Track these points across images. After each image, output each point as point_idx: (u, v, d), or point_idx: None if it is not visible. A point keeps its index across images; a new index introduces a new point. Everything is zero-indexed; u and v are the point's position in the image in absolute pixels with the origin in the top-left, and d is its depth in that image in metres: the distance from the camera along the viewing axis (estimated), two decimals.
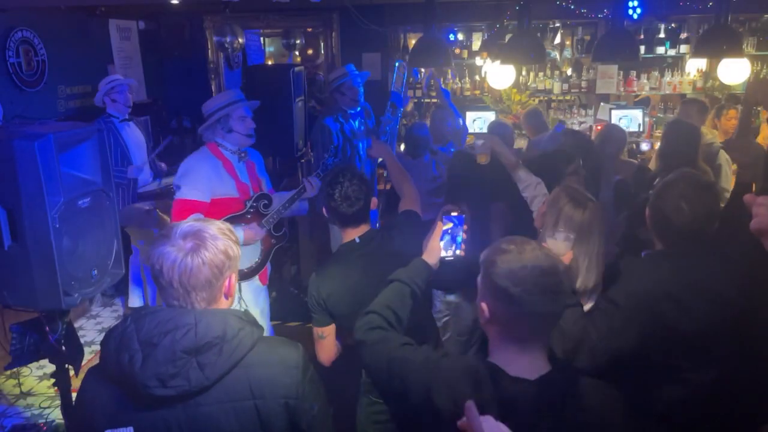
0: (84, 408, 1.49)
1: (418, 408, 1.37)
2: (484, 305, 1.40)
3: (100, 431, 1.43)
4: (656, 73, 6.32)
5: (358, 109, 4.47)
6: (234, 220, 3.05)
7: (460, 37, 6.85)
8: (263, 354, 1.49)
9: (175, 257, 1.43)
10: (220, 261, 1.47)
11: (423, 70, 6.47)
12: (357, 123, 4.48)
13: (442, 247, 1.93)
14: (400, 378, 1.43)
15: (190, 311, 1.45)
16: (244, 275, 3.18)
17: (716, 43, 4.21)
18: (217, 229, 1.51)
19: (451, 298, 3.42)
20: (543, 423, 1.29)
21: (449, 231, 1.94)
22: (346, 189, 2.28)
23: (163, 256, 1.44)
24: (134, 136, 4.57)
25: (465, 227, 1.95)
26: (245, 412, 1.45)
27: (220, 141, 3.17)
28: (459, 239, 1.95)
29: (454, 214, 1.94)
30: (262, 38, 7.95)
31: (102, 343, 1.47)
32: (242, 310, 1.65)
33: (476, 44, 6.78)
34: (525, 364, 1.36)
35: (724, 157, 4.11)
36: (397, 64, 4.94)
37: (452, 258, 1.96)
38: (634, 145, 5.43)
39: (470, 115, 6.12)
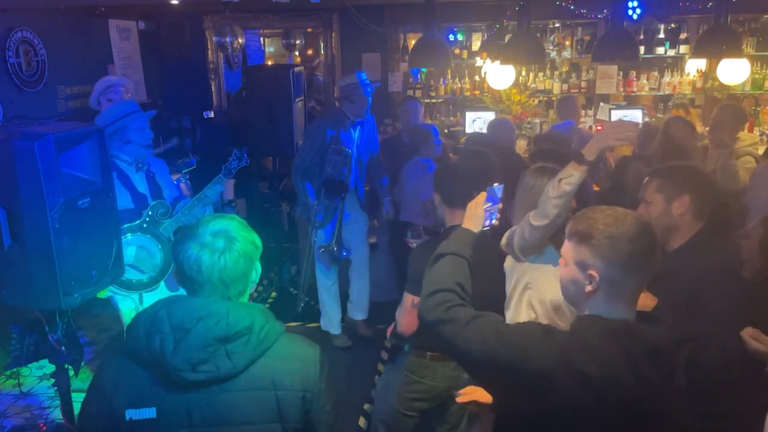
0: (104, 388, 1.51)
1: (548, 376, 1.43)
2: (593, 272, 1.49)
3: (120, 411, 1.46)
4: (656, 74, 6.32)
5: (360, 119, 4.30)
6: (131, 230, 3.02)
7: (460, 37, 6.85)
8: (285, 348, 1.55)
9: (211, 256, 1.49)
10: (251, 251, 1.55)
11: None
12: (356, 133, 4.32)
13: (486, 216, 1.98)
14: (521, 348, 1.46)
15: (220, 301, 1.50)
16: (144, 285, 3.12)
17: (716, 43, 4.22)
18: (238, 222, 1.58)
19: None
20: (675, 362, 1.51)
21: (490, 200, 2.00)
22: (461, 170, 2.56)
23: (200, 257, 1.49)
24: None
25: (500, 197, 2.03)
26: (265, 402, 1.50)
27: (116, 153, 3.08)
28: (496, 209, 2.03)
29: (495, 185, 2.01)
30: (261, 38, 7.96)
31: (130, 327, 1.51)
32: None
33: (476, 44, 6.77)
34: (632, 314, 1.52)
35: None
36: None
37: (488, 227, 2.03)
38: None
39: (470, 116, 6.12)
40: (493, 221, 2.06)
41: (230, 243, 1.51)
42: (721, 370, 2.03)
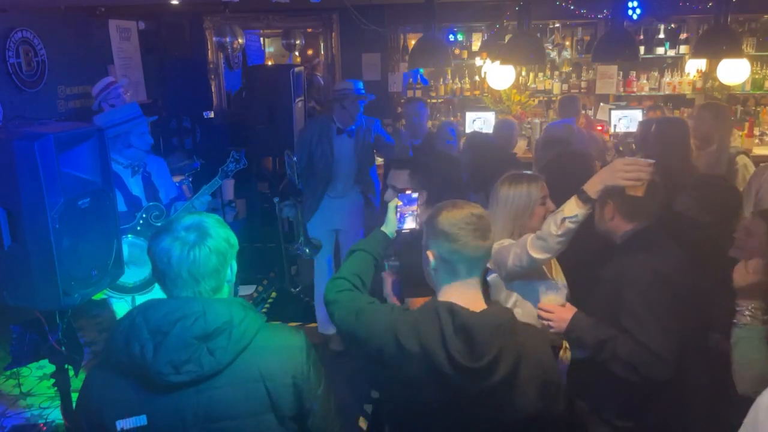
0: (90, 404, 1.50)
1: (383, 350, 1.61)
2: (429, 253, 1.66)
3: (110, 423, 1.46)
4: (656, 74, 6.32)
5: (352, 127, 4.24)
6: (124, 233, 3.00)
7: (460, 37, 6.85)
8: (268, 338, 1.55)
9: (181, 249, 1.48)
10: (224, 248, 1.54)
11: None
12: (346, 141, 4.26)
13: (397, 220, 2.17)
14: (367, 326, 1.69)
15: (196, 299, 1.49)
16: (138, 288, 3.14)
17: (716, 43, 4.22)
18: (215, 219, 1.57)
19: None
20: (493, 347, 1.52)
21: (402, 207, 2.18)
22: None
23: (170, 250, 1.49)
24: None
25: (417, 204, 2.19)
26: (256, 394, 1.50)
27: (114, 155, 3.07)
28: (414, 214, 2.21)
29: (408, 192, 2.20)
30: (261, 38, 7.97)
31: (109, 338, 1.51)
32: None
33: (476, 44, 6.77)
34: (468, 300, 1.61)
35: (742, 161, 4.03)
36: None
37: (408, 231, 2.21)
38: (634, 145, 5.42)
39: (470, 116, 6.12)
40: (413, 226, 2.19)
41: (202, 238, 1.50)
42: (647, 362, 2.02)
